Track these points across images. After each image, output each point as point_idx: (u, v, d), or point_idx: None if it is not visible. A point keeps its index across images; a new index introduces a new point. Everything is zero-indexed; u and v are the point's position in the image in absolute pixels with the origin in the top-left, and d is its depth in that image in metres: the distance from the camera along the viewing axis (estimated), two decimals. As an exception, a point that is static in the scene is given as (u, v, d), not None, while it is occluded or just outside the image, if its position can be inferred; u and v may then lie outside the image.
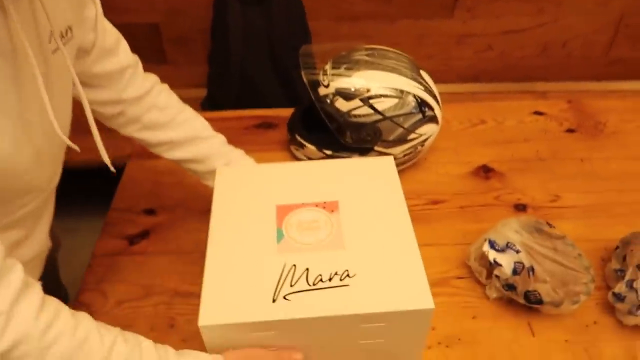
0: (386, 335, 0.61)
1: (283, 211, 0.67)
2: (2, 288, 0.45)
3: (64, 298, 0.88)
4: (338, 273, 0.60)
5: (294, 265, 0.61)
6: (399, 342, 0.62)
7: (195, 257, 0.84)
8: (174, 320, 0.75)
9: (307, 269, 0.60)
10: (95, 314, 0.75)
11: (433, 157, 1.02)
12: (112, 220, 0.91)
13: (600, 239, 0.86)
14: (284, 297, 0.58)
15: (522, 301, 0.72)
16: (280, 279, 0.59)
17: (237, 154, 0.83)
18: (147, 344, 0.56)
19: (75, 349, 0.48)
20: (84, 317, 0.52)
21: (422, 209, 0.92)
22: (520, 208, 0.92)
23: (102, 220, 0.92)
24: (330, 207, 0.67)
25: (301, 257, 0.61)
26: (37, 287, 0.49)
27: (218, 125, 1.13)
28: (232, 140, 1.08)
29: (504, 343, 0.72)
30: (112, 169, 0.65)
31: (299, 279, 0.59)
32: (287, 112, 1.11)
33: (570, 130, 1.09)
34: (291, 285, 0.59)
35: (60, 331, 0.48)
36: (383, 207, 0.68)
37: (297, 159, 1.01)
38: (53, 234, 0.72)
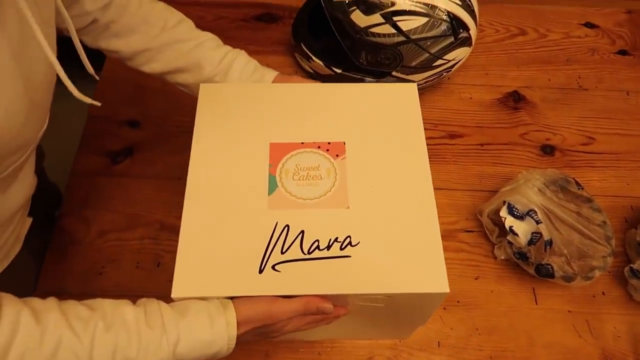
0: (390, 309, 0.54)
1: (278, 152, 0.55)
2: None
3: (57, 198, 0.82)
4: (339, 240, 0.50)
5: (287, 226, 0.51)
6: (403, 314, 0.56)
7: (182, 184, 0.77)
8: (161, 257, 0.71)
9: (303, 232, 0.51)
10: (78, 245, 0.72)
11: (458, 78, 0.89)
12: (90, 131, 0.82)
13: (628, 195, 0.78)
14: (273, 268, 0.49)
15: (532, 272, 0.67)
16: (269, 243, 0.50)
17: (235, 57, 0.65)
18: (130, 318, 0.44)
19: None
20: (50, 318, 0.42)
21: (437, 143, 0.82)
22: (548, 151, 0.82)
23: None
24: (336, 150, 0.55)
25: (296, 216, 0.51)
26: None
27: (209, 14, 0.97)
28: (225, 36, 0.93)
29: (504, 309, 0.69)
30: (95, 76, 0.58)
31: (291, 244, 0.50)
32: (293, 2, 0.94)
33: (622, 52, 0.94)
34: (282, 253, 0.50)
35: (24, 349, 0.39)
36: (400, 156, 0.55)
37: (301, 67, 0.88)
38: (37, 151, 0.63)
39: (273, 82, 0.64)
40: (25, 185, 0.57)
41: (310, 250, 0.50)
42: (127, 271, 0.70)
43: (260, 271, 0.48)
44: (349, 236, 0.50)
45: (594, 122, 0.85)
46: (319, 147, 0.56)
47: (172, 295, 0.48)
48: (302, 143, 0.56)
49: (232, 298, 0.48)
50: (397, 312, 0.56)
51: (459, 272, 0.71)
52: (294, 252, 0.50)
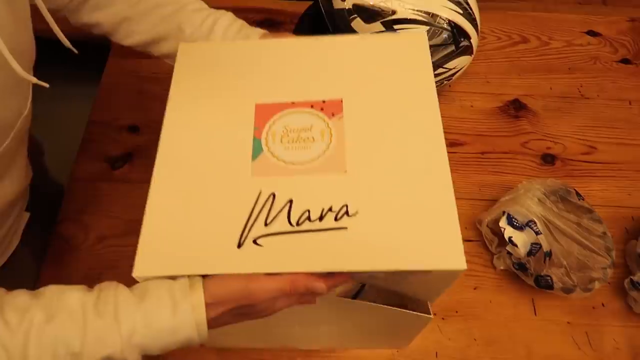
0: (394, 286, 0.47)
1: (264, 113, 0.48)
2: None
3: (60, 194, 0.82)
4: (333, 209, 0.43)
5: (273, 195, 0.44)
6: (410, 292, 0.49)
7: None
8: (159, 264, 0.71)
9: (291, 201, 0.44)
10: (76, 251, 0.72)
11: (459, 85, 0.88)
12: (90, 136, 0.82)
13: (629, 205, 0.78)
14: (254, 242, 0.42)
15: (531, 283, 0.67)
16: (251, 213, 0.43)
17: (219, 18, 0.58)
18: (76, 307, 0.39)
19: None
20: (22, 321, 0.37)
21: (437, 151, 0.82)
22: (549, 160, 0.82)
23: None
24: (331, 108, 0.48)
25: (284, 183, 0.45)
26: None
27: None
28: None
29: (503, 320, 0.68)
30: (73, 49, 0.54)
31: (277, 214, 0.43)
32: (296, 7, 0.94)
33: (625, 61, 0.93)
34: (266, 224, 0.43)
35: None
36: (407, 113, 0.48)
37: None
38: (33, 141, 0.63)
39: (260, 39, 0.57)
40: (18, 176, 0.56)
41: (299, 222, 0.43)
42: (125, 277, 0.70)
43: (239, 245, 0.42)
44: (346, 205, 0.43)
45: (596, 132, 0.85)
46: (311, 106, 0.48)
47: (133, 274, 0.42)
48: (293, 103, 0.49)
49: (205, 277, 0.41)
50: (399, 293, 0.50)
51: (458, 282, 0.70)
52: (280, 224, 0.43)
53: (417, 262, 0.41)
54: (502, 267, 0.70)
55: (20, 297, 0.40)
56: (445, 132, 0.83)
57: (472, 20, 0.73)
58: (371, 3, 0.70)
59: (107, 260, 0.71)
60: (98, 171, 0.79)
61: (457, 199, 0.77)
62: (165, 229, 0.43)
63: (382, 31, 0.70)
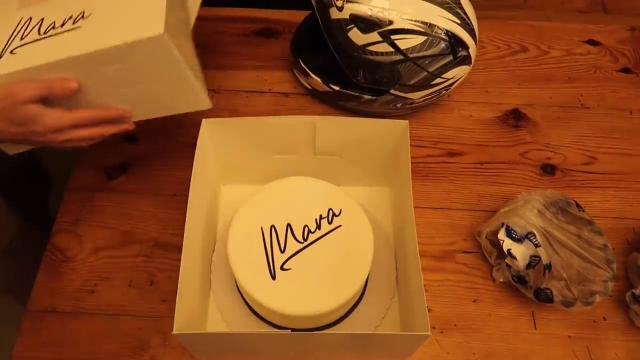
0: (139, 80, 0.57)
1: None
2: None
3: (47, 183, 0.81)
4: (73, 17, 0.56)
5: (30, 19, 0.57)
6: (158, 83, 0.58)
7: (178, 200, 0.77)
8: (154, 276, 0.70)
9: (42, 19, 0.57)
10: (71, 262, 0.71)
11: (458, 95, 0.88)
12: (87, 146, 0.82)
13: (630, 217, 0.77)
14: (11, 52, 0.55)
15: (531, 296, 0.66)
16: (12, 35, 0.57)
17: None
18: None
19: None
20: None
21: (436, 161, 0.81)
22: (548, 170, 0.81)
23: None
24: None
25: (40, 10, 0.58)
26: None
27: (211, 28, 0.97)
28: (224, 50, 0.93)
29: (502, 333, 0.67)
30: None
31: (30, 31, 0.56)
32: (294, 17, 0.94)
33: (625, 70, 0.93)
34: (21, 39, 0.56)
35: None
36: None
37: (300, 83, 0.87)
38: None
39: None
40: None
41: (46, 31, 0.56)
42: (120, 290, 0.69)
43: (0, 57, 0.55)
44: (83, 11, 0.56)
45: (596, 142, 0.84)
46: None
47: None
48: None
49: None
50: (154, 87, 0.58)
51: (457, 295, 0.70)
52: (32, 36, 0.55)
53: (122, 37, 0.52)
54: (501, 280, 0.69)
55: None
56: (444, 142, 0.84)
57: (470, 30, 0.73)
58: (368, 13, 0.69)
59: (102, 271, 0.70)
60: (94, 181, 0.78)
61: (455, 209, 0.77)
62: None
63: (380, 42, 0.70)
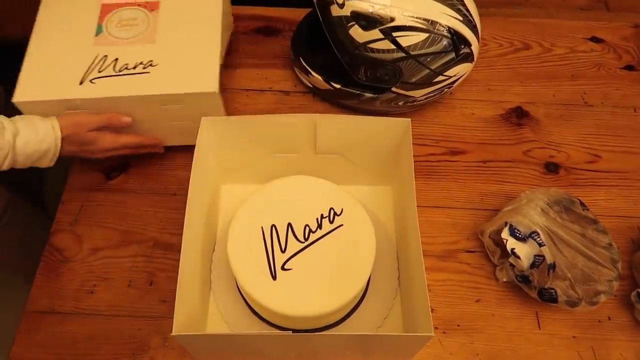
0: (189, 116, 0.69)
1: (106, 9, 0.75)
2: None
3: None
4: (143, 63, 0.69)
5: (105, 56, 0.70)
6: (198, 118, 0.64)
7: (178, 200, 0.76)
8: (153, 276, 0.70)
9: (116, 59, 0.70)
10: (69, 262, 0.71)
11: (460, 93, 0.87)
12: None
13: (635, 215, 0.76)
14: (91, 81, 0.68)
15: (535, 296, 0.65)
16: (90, 66, 0.69)
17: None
18: None
19: None
20: None
21: (438, 159, 0.81)
22: (552, 169, 0.80)
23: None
24: (151, 6, 0.75)
25: (113, 50, 0.71)
26: None
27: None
28: (226, 48, 0.92)
29: (506, 334, 0.67)
30: None
31: (107, 67, 0.69)
32: (294, 14, 0.93)
33: (629, 67, 0.92)
34: (99, 72, 0.68)
35: None
36: (200, 12, 0.75)
37: (301, 81, 0.87)
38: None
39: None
40: None
41: (120, 70, 0.69)
42: (119, 290, 0.69)
43: (81, 83, 0.68)
44: (151, 60, 0.70)
45: (600, 140, 0.83)
46: (139, 5, 0.75)
47: (13, 100, 0.65)
48: (126, 2, 0.75)
49: None
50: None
51: (460, 295, 0.69)
52: (108, 71, 0.69)
53: (186, 88, 0.68)
54: (505, 279, 0.69)
55: None
56: (446, 140, 0.83)
57: (472, 27, 0.72)
58: (370, 10, 0.68)
59: (101, 272, 0.70)
60: (93, 181, 0.77)
61: (458, 208, 0.76)
62: (35, 74, 0.68)
63: (382, 39, 0.69)
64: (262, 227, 0.62)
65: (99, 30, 0.72)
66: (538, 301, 0.66)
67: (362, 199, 0.66)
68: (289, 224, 0.62)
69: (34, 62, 0.69)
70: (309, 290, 0.58)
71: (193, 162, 0.58)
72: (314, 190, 0.65)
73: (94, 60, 0.69)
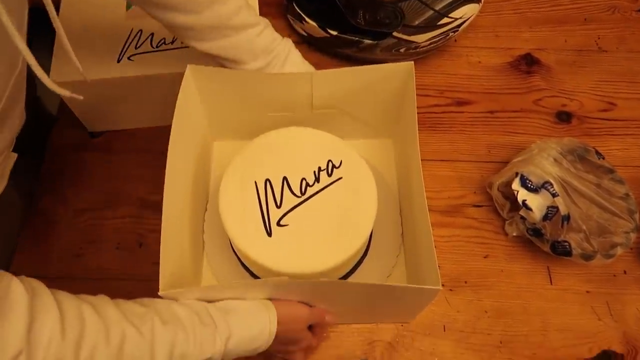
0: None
1: None
2: (5, 320, 0.34)
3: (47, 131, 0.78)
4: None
5: (140, 31, 0.66)
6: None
7: (165, 159, 0.71)
8: (143, 237, 0.66)
9: (152, 34, 0.66)
10: (55, 225, 0.67)
11: (465, 40, 0.82)
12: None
13: (653, 166, 0.72)
14: (129, 58, 0.65)
15: (547, 250, 0.62)
16: (126, 42, 0.65)
17: (280, 49, 0.60)
18: (184, 316, 0.45)
19: (115, 357, 0.39)
20: (110, 313, 0.41)
21: (443, 111, 0.76)
22: (564, 118, 0.75)
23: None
24: None
25: (147, 24, 0.66)
26: (45, 294, 0.38)
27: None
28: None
29: (516, 290, 0.63)
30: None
31: (143, 42, 0.66)
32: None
33: (645, 10, 0.86)
34: (136, 48, 0.65)
35: (93, 344, 0.38)
36: None
37: (294, 30, 0.81)
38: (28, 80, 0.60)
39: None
40: (14, 124, 0.52)
41: (158, 45, 0.66)
42: (108, 252, 0.65)
43: (118, 61, 0.65)
44: None
45: (615, 87, 0.78)
46: None
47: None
48: None
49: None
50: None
51: (467, 251, 0.66)
52: (145, 47, 0.66)
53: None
54: (514, 234, 0.65)
55: (131, 303, 0.44)
56: (451, 91, 0.77)
57: (480, -38, 0.66)
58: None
59: (88, 234, 0.66)
60: (76, 140, 0.73)
61: (464, 161, 0.72)
62: (68, 52, 0.56)
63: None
64: (255, 182, 0.57)
65: (129, 6, 0.68)
66: (550, 255, 0.63)
67: (362, 153, 0.61)
68: (285, 178, 0.58)
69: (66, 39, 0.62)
70: (307, 246, 0.54)
71: (175, 111, 0.54)
72: (311, 142, 0.61)
73: (129, 36, 0.66)
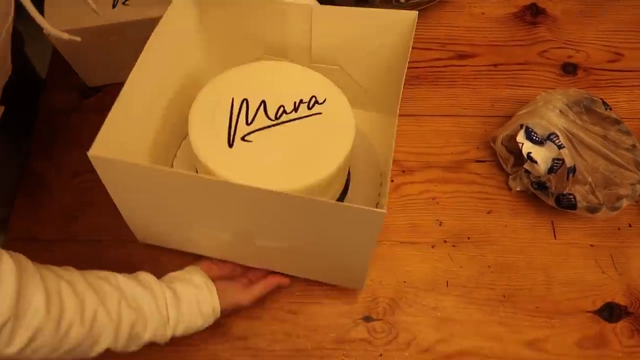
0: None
1: None
2: None
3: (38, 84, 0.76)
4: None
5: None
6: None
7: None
8: (140, 199, 0.65)
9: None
10: (49, 188, 0.66)
11: (468, -10, 0.78)
12: (57, 64, 0.73)
13: (660, 117, 0.70)
14: (123, 3, 0.62)
15: (552, 203, 0.60)
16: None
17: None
18: (146, 302, 0.48)
19: (86, 335, 0.43)
20: (87, 294, 0.44)
21: (444, 64, 0.73)
22: (570, 70, 0.73)
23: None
24: None
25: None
26: (31, 269, 0.41)
27: None
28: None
29: (519, 245, 0.62)
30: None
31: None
32: None
33: (656, -45, 0.82)
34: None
35: (70, 321, 0.41)
36: None
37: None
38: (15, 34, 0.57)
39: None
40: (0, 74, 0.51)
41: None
42: (103, 214, 0.64)
43: (114, 6, 0.62)
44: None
45: (622, 37, 0.76)
46: None
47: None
48: None
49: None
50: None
51: (470, 206, 0.64)
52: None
53: None
54: (518, 189, 0.64)
55: (100, 281, 0.47)
56: (453, 44, 0.75)
57: None
58: None
59: (83, 196, 0.65)
60: (67, 101, 0.71)
61: (467, 116, 0.70)
62: None
63: None
64: (232, 99, 0.54)
65: None
66: (554, 209, 0.62)
67: (358, 124, 0.57)
68: (263, 101, 0.55)
69: None
70: (267, 165, 0.51)
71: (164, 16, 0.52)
72: (300, 76, 0.57)
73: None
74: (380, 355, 0.57)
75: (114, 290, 0.46)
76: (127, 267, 0.61)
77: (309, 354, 0.57)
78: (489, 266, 0.61)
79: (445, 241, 0.63)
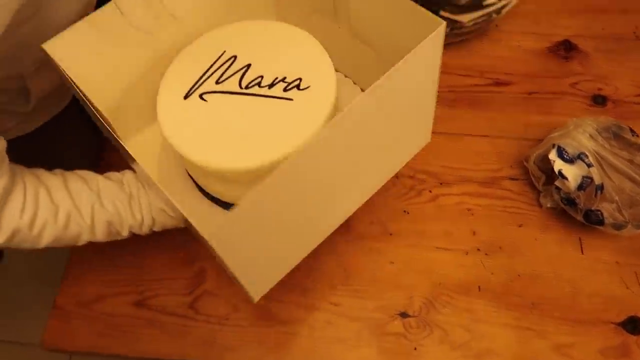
0: None
1: None
2: None
3: None
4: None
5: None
6: None
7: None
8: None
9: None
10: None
11: (506, 25, 0.85)
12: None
13: (685, 148, 0.74)
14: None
15: (580, 219, 0.65)
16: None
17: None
18: (124, 204, 0.54)
19: (61, 231, 0.51)
20: (62, 198, 0.51)
21: (482, 90, 0.80)
22: (599, 101, 0.78)
23: None
24: None
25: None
26: (18, 187, 0.49)
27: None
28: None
29: (548, 257, 0.67)
30: None
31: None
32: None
33: (683, 2, 0.88)
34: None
35: (44, 221, 0.49)
36: None
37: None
38: None
39: None
40: None
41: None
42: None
43: None
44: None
45: (651, 74, 0.81)
46: None
47: None
48: None
49: None
50: None
51: (502, 219, 0.69)
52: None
53: None
54: (549, 205, 0.68)
55: (79, 183, 0.53)
56: (491, 72, 0.82)
57: (526, -52, 0.70)
58: None
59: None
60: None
61: (502, 137, 0.76)
62: None
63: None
64: (224, 52, 0.53)
65: None
66: (582, 226, 0.66)
67: None
68: (249, 65, 0.52)
69: None
70: (199, 131, 0.50)
71: None
72: (305, 52, 0.53)
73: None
74: (415, 349, 0.61)
75: (91, 194, 0.52)
76: (189, 254, 0.66)
77: (347, 342, 0.62)
78: (518, 275, 0.66)
79: (478, 249, 0.67)
